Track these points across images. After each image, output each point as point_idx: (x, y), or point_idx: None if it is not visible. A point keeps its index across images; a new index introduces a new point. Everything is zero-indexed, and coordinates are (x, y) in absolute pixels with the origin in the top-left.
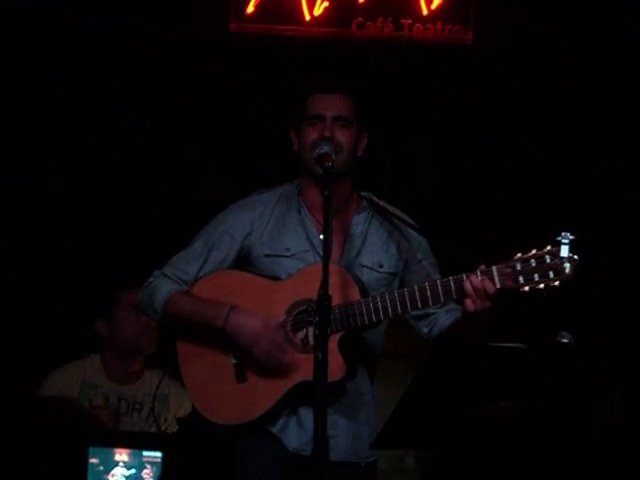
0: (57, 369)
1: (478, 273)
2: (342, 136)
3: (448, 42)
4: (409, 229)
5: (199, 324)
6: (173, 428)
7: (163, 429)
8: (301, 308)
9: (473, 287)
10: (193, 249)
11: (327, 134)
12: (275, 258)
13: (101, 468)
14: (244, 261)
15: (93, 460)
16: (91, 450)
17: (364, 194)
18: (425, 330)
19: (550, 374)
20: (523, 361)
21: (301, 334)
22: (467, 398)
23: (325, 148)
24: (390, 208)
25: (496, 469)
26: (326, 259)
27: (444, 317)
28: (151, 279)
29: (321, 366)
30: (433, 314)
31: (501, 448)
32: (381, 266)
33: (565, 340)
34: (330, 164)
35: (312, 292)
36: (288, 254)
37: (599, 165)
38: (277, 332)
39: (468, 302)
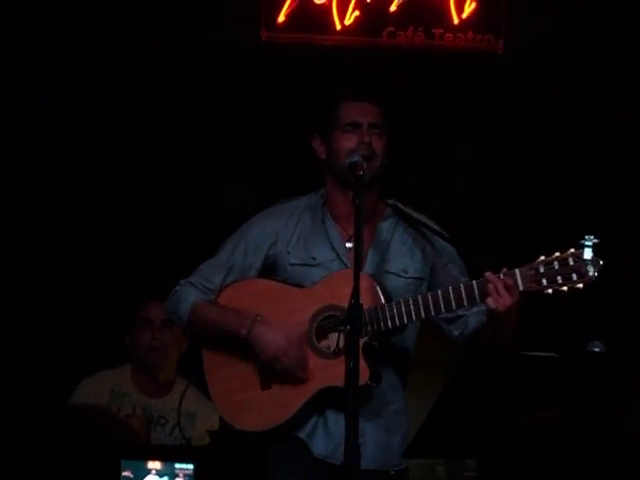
0: (88, 377)
1: (501, 276)
2: (376, 144)
3: (479, 51)
4: (434, 234)
5: (223, 333)
6: (203, 442)
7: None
8: (326, 314)
9: (492, 284)
10: (218, 259)
11: (366, 139)
12: (301, 267)
13: (133, 477)
14: (270, 270)
15: (125, 473)
16: (123, 463)
17: (390, 202)
18: (456, 333)
19: (582, 383)
20: (555, 370)
21: (326, 340)
22: (498, 407)
23: (356, 157)
24: (416, 215)
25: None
26: (357, 267)
27: (475, 319)
28: (177, 287)
29: (353, 374)
30: (463, 316)
31: (540, 458)
32: (406, 272)
33: (597, 349)
34: (361, 173)
35: (337, 298)
36: (314, 263)
37: (629, 169)
38: (299, 347)
39: (490, 300)
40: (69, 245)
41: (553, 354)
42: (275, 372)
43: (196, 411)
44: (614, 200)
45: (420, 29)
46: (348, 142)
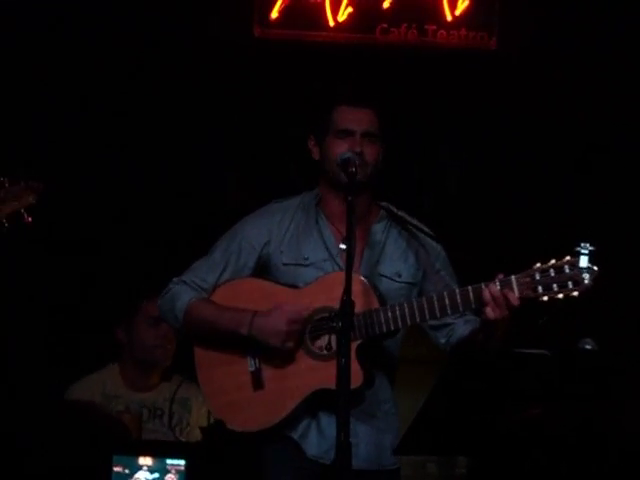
0: (76, 382)
1: (497, 282)
2: (369, 152)
3: (472, 48)
4: (427, 238)
5: (220, 331)
6: (196, 433)
7: (186, 432)
8: (320, 316)
9: (492, 295)
10: (212, 258)
11: (357, 149)
12: (294, 267)
13: (126, 471)
14: (263, 269)
15: (117, 468)
16: (115, 458)
17: (382, 204)
18: (442, 340)
19: (573, 381)
20: (546, 367)
21: (320, 341)
22: (489, 404)
23: (348, 154)
24: (408, 218)
25: (526, 475)
26: (349, 264)
27: (462, 327)
28: (170, 286)
29: (343, 371)
30: (451, 324)
31: (530, 456)
32: (400, 276)
33: (588, 346)
34: (354, 169)
35: (331, 300)
36: (306, 263)
37: (622, 172)
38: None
39: (488, 310)
40: (69, 245)
41: (544, 351)
42: (269, 370)
43: (189, 397)
44: (609, 197)
45: (413, 26)
46: (339, 148)
